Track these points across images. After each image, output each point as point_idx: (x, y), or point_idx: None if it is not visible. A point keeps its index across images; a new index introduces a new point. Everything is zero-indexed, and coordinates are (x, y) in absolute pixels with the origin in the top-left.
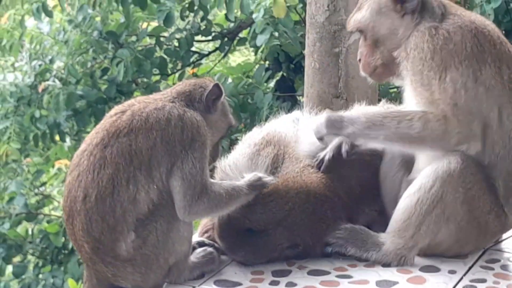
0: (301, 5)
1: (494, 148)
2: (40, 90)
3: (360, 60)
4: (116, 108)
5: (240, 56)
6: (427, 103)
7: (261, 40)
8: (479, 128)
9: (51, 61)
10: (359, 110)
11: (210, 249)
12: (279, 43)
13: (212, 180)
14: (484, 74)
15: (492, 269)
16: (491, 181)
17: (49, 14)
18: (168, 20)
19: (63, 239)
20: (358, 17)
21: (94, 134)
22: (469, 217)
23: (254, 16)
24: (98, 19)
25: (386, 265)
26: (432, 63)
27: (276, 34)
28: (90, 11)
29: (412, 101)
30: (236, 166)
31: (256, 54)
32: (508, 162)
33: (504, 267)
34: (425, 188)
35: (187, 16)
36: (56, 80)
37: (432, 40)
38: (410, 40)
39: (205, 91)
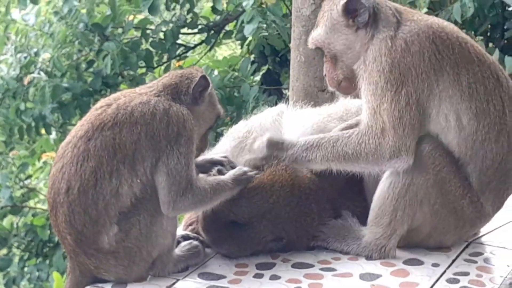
0: None
1: (461, 149)
2: (25, 82)
3: (325, 75)
4: (102, 101)
5: (227, 50)
6: (372, 113)
7: (249, 29)
8: (414, 143)
9: (36, 54)
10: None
11: (195, 242)
12: (266, 34)
13: (197, 176)
14: (442, 84)
15: (475, 262)
16: (463, 174)
17: (35, 1)
18: (153, 8)
19: (48, 232)
20: (314, 35)
21: (79, 127)
22: (442, 200)
23: (244, 3)
24: (84, 11)
25: (369, 257)
26: (390, 76)
27: (264, 25)
28: (76, 3)
29: (362, 111)
30: None
31: (242, 47)
32: (479, 161)
33: (487, 260)
34: (396, 172)
35: (173, 8)
36: (42, 73)
37: (389, 53)
38: (368, 53)
39: (192, 83)
